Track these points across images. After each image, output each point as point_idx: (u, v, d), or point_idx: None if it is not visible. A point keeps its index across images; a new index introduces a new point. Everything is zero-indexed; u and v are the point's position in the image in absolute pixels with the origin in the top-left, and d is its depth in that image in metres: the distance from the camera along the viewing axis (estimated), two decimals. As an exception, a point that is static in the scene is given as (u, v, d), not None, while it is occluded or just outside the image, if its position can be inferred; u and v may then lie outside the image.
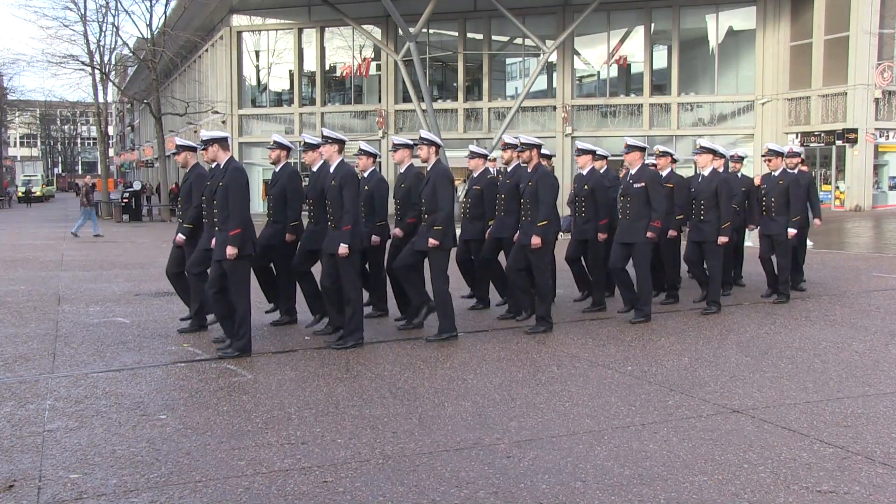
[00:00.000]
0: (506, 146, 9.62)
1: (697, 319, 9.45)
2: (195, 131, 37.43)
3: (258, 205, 36.08)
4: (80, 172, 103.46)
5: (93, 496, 4.40)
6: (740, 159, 11.67)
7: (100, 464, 4.86)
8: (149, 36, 34.99)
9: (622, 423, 5.62)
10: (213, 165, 8.01)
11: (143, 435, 5.40)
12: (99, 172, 45.87)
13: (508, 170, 9.62)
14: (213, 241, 7.71)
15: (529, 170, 8.87)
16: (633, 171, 9.32)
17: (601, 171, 10.17)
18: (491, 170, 10.25)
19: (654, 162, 10.32)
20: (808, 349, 7.93)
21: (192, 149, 8.86)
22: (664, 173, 10.39)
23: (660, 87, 34.44)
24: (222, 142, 7.79)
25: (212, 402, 6.18)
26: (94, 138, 76.43)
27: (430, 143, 8.56)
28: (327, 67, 38.85)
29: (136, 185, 40.97)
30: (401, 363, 7.40)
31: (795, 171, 10.81)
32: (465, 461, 4.88)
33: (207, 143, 7.77)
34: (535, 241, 8.56)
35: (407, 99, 34.98)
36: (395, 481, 4.57)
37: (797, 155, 11.22)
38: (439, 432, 5.42)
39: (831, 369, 7.11)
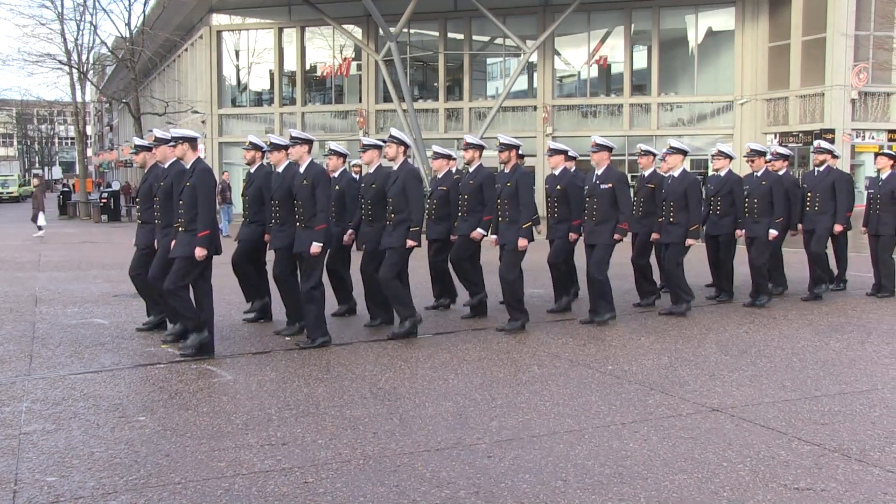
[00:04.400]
0: (467, 146, 9.55)
1: (677, 319, 9.49)
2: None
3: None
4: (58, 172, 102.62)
5: (70, 499, 4.36)
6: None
7: (77, 466, 4.83)
8: (127, 35, 34.73)
9: (602, 422, 5.64)
10: (168, 164, 7.99)
11: (121, 437, 5.36)
12: (77, 172, 45.47)
13: (471, 170, 9.59)
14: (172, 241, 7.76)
15: (507, 170, 8.87)
16: (599, 172, 9.16)
17: (572, 171, 10.06)
18: (451, 169, 10.23)
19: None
20: (786, 348, 7.99)
21: (151, 149, 8.82)
22: (647, 173, 10.36)
23: (640, 87, 34.59)
24: (192, 141, 7.77)
25: (191, 403, 6.15)
26: (72, 138, 75.84)
27: (400, 142, 8.56)
28: (308, 67, 38.74)
29: (115, 185, 40.66)
30: (381, 363, 7.39)
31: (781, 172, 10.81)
32: (446, 461, 4.88)
33: (177, 140, 7.74)
34: (522, 243, 8.56)
35: (388, 99, 34.94)
36: (375, 482, 4.57)
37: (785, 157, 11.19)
38: (420, 432, 5.42)
39: (809, 368, 7.17)
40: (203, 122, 39.01)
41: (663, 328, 9.01)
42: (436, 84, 36.92)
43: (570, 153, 10.01)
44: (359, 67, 37.61)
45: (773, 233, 10.24)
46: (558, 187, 9.69)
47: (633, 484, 4.52)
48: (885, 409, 5.92)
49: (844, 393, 6.36)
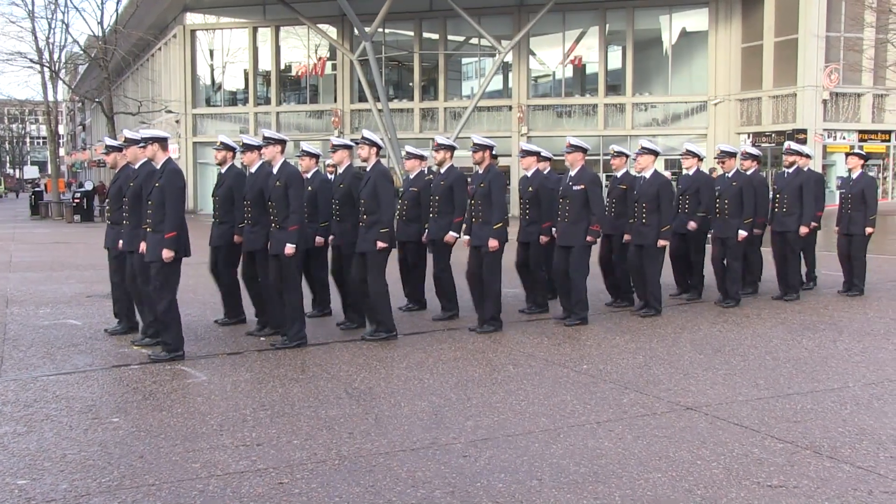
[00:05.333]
0: (439, 147, 9.54)
1: (651, 319, 9.54)
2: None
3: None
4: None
5: (42, 502, 4.32)
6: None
7: (49, 469, 4.78)
8: (100, 33, 34.44)
9: (578, 421, 5.66)
10: (138, 165, 7.94)
11: (94, 438, 5.32)
12: (49, 172, 45.03)
13: (442, 171, 9.59)
14: (140, 242, 7.69)
15: (481, 171, 8.89)
16: (573, 173, 9.17)
17: (545, 172, 10.08)
18: (423, 170, 10.21)
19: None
20: (759, 346, 8.06)
21: (122, 150, 8.75)
22: (619, 174, 10.39)
23: (614, 87, 34.75)
24: (162, 142, 7.70)
25: (165, 404, 6.11)
26: (44, 137, 75.03)
27: (372, 143, 8.54)
28: (282, 67, 38.60)
29: (88, 185, 40.26)
30: (357, 363, 7.38)
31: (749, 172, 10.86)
32: (422, 461, 4.88)
33: (147, 140, 7.68)
34: (493, 243, 8.59)
35: (363, 98, 34.88)
36: (351, 482, 4.56)
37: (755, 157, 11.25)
38: (395, 432, 5.42)
39: (782, 366, 7.23)
40: (177, 121, 38.76)
41: (638, 327, 9.06)
42: (411, 84, 36.90)
43: (542, 154, 10.04)
44: (334, 67, 37.52)
45: (742, 233, 10.30)
46: (529, 189, 9.73)
47: (607, 482, 4.54)
48: (855, 406, 5.99)
49: (816, 391, 6.43)
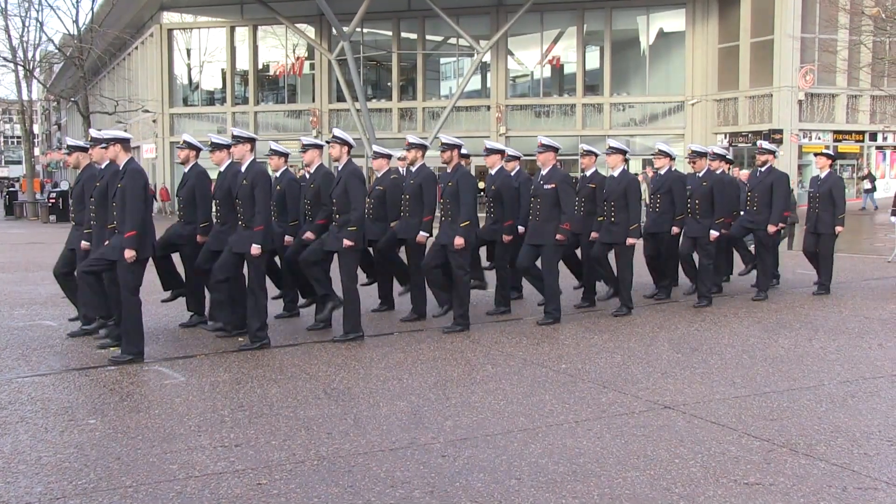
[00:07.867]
0: (410, 146, 9.55)
1: (629, 318, 9.58)
2: (124, 130, 36.57)
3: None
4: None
5: (18, 504, 4.28)
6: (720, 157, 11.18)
7: (24, 472, 4.74)
8: (76, 32, 34.15)
9: (556, 420, 5.68)
10: (104, 165, 7.90)
11: (70, 440, 5.28)
12: (24, 172, 44.58)
13: (413, 170, 9.59)
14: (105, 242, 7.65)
15: (449, 170, 8.93)
16: (544, 172, 9.17)
17: (512, 171, 10.10)
18: (401, 170, 10.21)
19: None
20: (736, 345, 8.11)
21: (84, 149, 8.66)
22: (588, 173, 10.42)
23: (592, 87, 34.88)
24: (124, 143, 7.67)
25: (143, 405, 6.07)
26: (19, 137, 74.29)
27: (343, 142, 8.52)
28: (260, 66, 38.45)
29: (64, 185, 39.88)
30: (335, 363, 7.36)
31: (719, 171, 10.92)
32: (401, 461, 4.88)
33: (108, 141, 7.63)
34: (459, 241, 8.60)
35: (341, 98, 34.82)
36: (329, 482, 4.55)
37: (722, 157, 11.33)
38: (374, 432, 5.41)
39: (758, 365, 7.29)
40: (154, 121, 38.51)
41: (616, 327, 9.10)
42: (389, 84, 36.86)
43: (509, 153, 10.09)
44: (312, 67, 37.42)
45: (713, 233, 10.36)
46: (493, 187, 9.76)
47: (586, 481, 4.56)
48: (830, 404, 6.05)
49: (792, 389, 6.48)
